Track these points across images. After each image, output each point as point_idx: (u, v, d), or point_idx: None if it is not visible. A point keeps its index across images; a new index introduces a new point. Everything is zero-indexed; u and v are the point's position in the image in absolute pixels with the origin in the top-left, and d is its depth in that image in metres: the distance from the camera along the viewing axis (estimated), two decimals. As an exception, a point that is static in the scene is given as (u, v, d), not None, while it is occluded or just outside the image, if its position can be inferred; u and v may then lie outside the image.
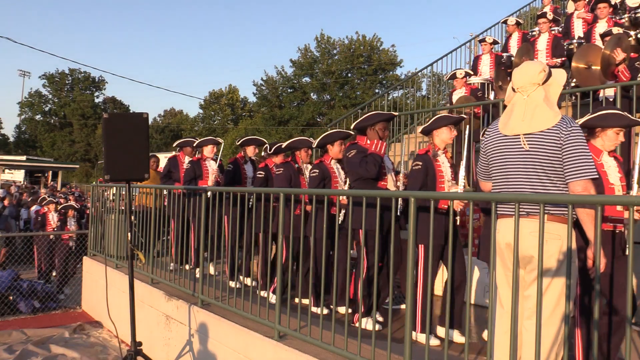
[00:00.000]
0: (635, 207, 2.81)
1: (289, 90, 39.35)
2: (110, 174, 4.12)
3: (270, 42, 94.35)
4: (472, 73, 8.25)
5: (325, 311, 4.08)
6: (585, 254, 2.86)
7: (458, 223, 3.92)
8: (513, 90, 2.79)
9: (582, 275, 3.06)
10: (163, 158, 10.64)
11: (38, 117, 52.00)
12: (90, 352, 5.62)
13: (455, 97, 7.85)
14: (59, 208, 10.01)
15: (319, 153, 5.23)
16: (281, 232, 3.95)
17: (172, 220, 6.34)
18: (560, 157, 2.56)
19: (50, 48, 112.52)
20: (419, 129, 8.93)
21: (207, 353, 4.44)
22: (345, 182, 4.70)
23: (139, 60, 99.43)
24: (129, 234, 4.29)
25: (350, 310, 4.16)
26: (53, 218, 9.83)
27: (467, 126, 4.62)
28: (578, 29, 7.93)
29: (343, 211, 4.37)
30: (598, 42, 6.68)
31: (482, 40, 8.46)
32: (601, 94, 5.66)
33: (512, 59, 7.93)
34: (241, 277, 5.11)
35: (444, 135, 4.04)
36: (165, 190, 6.35)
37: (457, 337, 3.85)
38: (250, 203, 5.26)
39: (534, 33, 8.35)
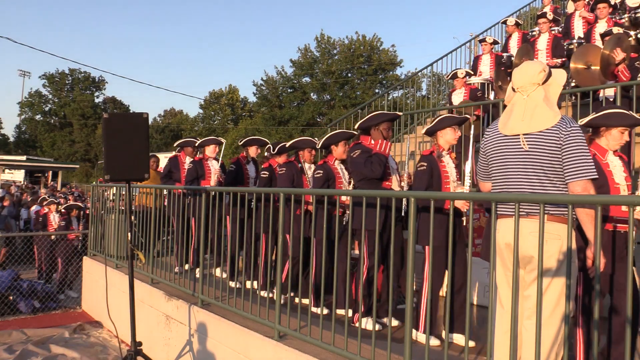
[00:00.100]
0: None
1: (289, 90, 39.34)
2: (110, 174, 4.12)
3: (270, 42, 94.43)
4: (472, 73, 8.25)
5: (325, 311, 4.08)
6: (586, 254, 2.85)
7: (464, 223, 3.90)
8: (513, 90, 2.79)
9: (584, 276, 3.06)
10: (163, 158, 10.63)
11: (38, 117, 52.02)
12: (90, 352, 5.62)
13: (454, 97, 7.85)
14: (60, 208, 9.99)
15: (322, 153, 5.22)
16: (281, 232, 3.95)
17: (172, 220, 6.33)
18: (560, 157, 2.56)
19: (50, 48, 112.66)
20: (419, 129, 8.95)
21: (207, 353, 4.44)
22: (349, 183, 4.70)
23: (139, 60, 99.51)
24: (129, 234, 4.29)
25: (350, 311, 4.15)
26: (54, 219, 9.81)
27: (472, 126, 4.61)
28: (578, 29, 7.93)
29: (348, 212, 4.35)
30: (598, 42, 6.68)
31: (482, 41, 8.46)
32: (601, 94, 5.66)
33: (512, 59, 7.93)
34: (243, 279, 5.12)
35: (448, 136, 4.02)
36: (165, 190, 6.35)
37: (460, 339, 3.83)
38: (252, 203, 5.24)
39: (534, 33, 8.35)
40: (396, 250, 4.13)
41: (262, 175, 5.63)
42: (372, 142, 4.24)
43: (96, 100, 52.23)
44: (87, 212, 9.36)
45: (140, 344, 4.27)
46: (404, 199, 4.02)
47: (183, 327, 4.86)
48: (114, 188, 7.46)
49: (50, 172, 31.05)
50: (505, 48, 8.71)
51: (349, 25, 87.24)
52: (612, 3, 7.32)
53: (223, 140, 6.64)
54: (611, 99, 5.51)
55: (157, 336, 5.31)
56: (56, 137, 49.92)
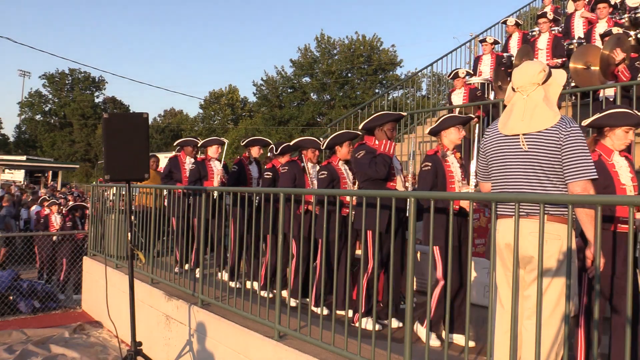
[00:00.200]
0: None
1: (289, 90, 39.35)
2: (110, 174, 4.12)
3: (270, 42, 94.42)
4: (472, 73, 8.25)
5: (326, 311, 4.08)
6: (586, 255, 2.85)
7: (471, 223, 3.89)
8: (513, 90, 2.79)
9: (588, 277, 3.04)
10: (163, 158, 10.63)
11: (38, 117, 52.03)
12: (90, 352, 5.62)
13: (454, 97, 7.86)
14: (62, 209, 9.97)
15: (326, 154, 5.21)
16: (281, 231, 3.95)
17: (172, 220, 6.33)
18: (560, 157, 2.56)
19: (50, 48, 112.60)
20: (419, 129, 8.95)
21: (207, 353, 4.44)
22: (354, 183, 4.69)
23: (139, 60, 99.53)
24: (129, 234, 4.30)
25: (350, 311, 4.15)
26: (56, 220, 9.79)
27: (477, 125, 4.60)
28: (578, 29, 7.93)
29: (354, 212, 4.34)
30: (598, 42, 6.67)
31: (483, 41, 8.46)
32: (601, 94, 5.66)
33: (512, 59, 7.94)
34: (247, 281, 5.12)
35: (452, 136, 4.00)
36: (165, 190, 6.34)
37: (460, 339, 3.83)
38: (255, 204, 5.23)
39: (534, 33, 8.35)
40: (397, 251, 4.12)
41: (265, 176, 5.62)
42: (377, 142, 4.23)
43: (96, 100, 52.27)
44: (87, 212, 9.34)
45: (140, 344, 4.27)
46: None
47: (183, 327, 4.86)
48: (114, 188, 7.46)
49: (50, 172, 31.05)
50: (506, 48, 8.71)
51: (349, 25, 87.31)
52: (612, 3, 7.32)
53: (225, 140, 6.63)
54: (611, 99, 5.51)
55: (157, 336, 5.31)
56: (56, 137, 49.93)
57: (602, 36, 6.36)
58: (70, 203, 12.23)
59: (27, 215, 13.44)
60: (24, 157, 33.04)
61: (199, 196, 5.46)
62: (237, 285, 4.79)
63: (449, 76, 8.44)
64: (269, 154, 6.49)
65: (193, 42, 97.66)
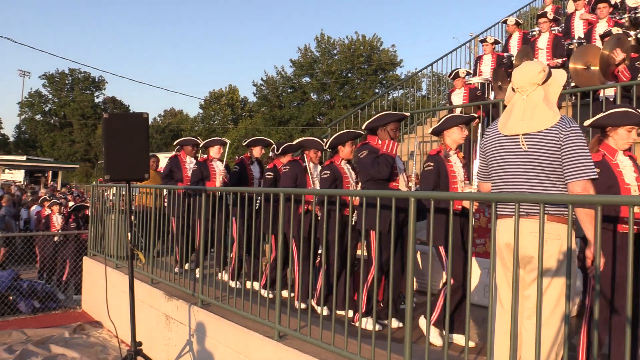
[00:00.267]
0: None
1: (289, 90, 39.35)
2: (110, 174, 4.12)
3: (270, 42, 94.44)
4: (472, 73, 8.25)
5: (326, 311, 4.08)
6: (586, 255, 2.84)
7: (473, 223, 3.89)
8: (513, 90, 2.79)
9: (604, 279, 3.02)
10: (163, 158, 10.63)
11: (38, 117, 52.03)
12: (90, 352, 5.62)
13: (454, 97, 7.85)
14: (63, 210, 9.96)
15: (328, 153, 5.20)
16: (281, 231, 3.95)
17: (172, 221, 6.32)
18: (560, 157, 2.56)
19: (50, 48, 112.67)
20: (419, 129, 8.95)
21: (207, 353, 4.44)
22: (357, 183, 4.68)
23: (139, 60, 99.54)
24: (129, 234, 4.30)
25: (351, 311, 4.15)
26: (57, 220, 9.78)
27: (480, 125, 4.59)
28: (578, 29, 7.93)
29: (356, 212, 4.34)
30: (598, 42, 6.67)
31: (484, 41, 8.46)
32: (601, 94, 5.66)
33: (512, 59, 7.94)
34: (247, 281, 5.11)
35: (455, 135, 3.99)
36: (165, 190, 6.34)
37: (460, 339, 3.83)
38: (258, 204, 5.22)
39: (534, 33, 8.35)
40: (398, 251, 4.12)
41: (266, 177, 5.61)
42: (379, 142, 4.22)
43: (96, 100, 52.27)
44: (87, 212, 9.34)
45: (140, 344, 4.27)
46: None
47: (183, 327, 4.86)
48: (114, 188, 7.46)
49: (50, 172, 31.05)
50: (506, 48, 8.71)
51: (349, 25, 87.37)
52: (612, 3, 7.32)
53: (227, 140, 6.63)
54: (611, 99, 5.51)
55: (157, 336, 5.31)
56: (56, 137, 49.93)
57: (602, 36, 6.35)
58: (71, 203, 12.23)
59: (27, 215, 13.44)
60: (24, 157, 33.05)
61: (199, 196, 5.46)
62: (237, 285, 4.79)
63: (449, 76, 8.44)
64: (270, 154, 6.49)
65: (193, 42, 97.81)
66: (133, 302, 4.30)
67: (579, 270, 3.30)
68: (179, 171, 6.77)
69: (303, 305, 3.99)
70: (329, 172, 4.62)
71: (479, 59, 8.57)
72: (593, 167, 2.51)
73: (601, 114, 3.20)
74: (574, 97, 6.51)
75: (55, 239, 9.25)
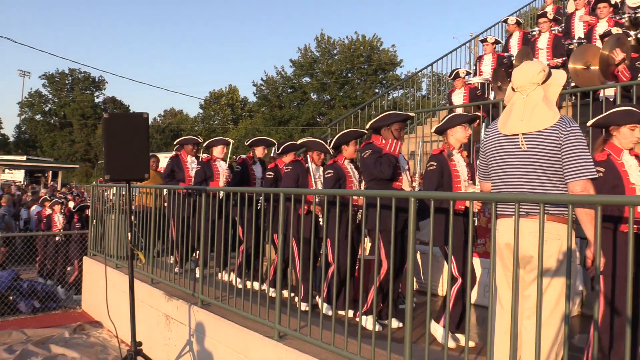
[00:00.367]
0: None
1: (289, 90, 39.36)
2: (110, 174, 4.12)
3: (270, 42, 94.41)
4: (473, 73, 8.25)
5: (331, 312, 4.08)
6: (608, 256, 2.81)
7: (475, 223, 3.88)
8: (512, 90, 2.79)
9: (607, 280, 3.02)
10: (163, 158, 10.61)
11: (38, 117, 52.01)
12: (90, 352, 5.63)
13: (454, 97, 7.86)
14: (66, 209, 9.95)
15: (331, 153, 5.20)
16: (281, 231, 3.95)
17: (172, 221, 6.31)
18: (559, 156, 2.56)
19: (50, 48, 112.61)
20: (419, 129, 8.95)
21: (207, 353, 4.44)
22: (360, 182, 4.68)
23: (139, 60, 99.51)
24: (129, 234, 4.30)
25: (351, 312, 4.15)
26: (59, 219, 9.77)
27: (483, 124, 4.59)
28: (578, 29, 7.93)
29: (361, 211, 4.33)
30: (598, 42, 6.67)
31: (484, 41, 8.46)
32: (601, 94, 5.66)
33: (512, 59, 7.93)
34: (248, 281, 5.10)
35: (458, 134, 3.98)
36: (165, 190, 6.33)
37: (459, 339, 3.83)
38: (259, 204, 5.22)
39: (534, 33, 8.35)
40: (398, 251, 4.12)
41: (267, 176, 5.61)
42: (383, 141, 4.22)
43: (96, 100, 52.24)
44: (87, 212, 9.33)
45: (140, 344, 4.27)
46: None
47: (183, 327, 4.86)
48: (114, 188, 7.46)
49: (50, 172, 31.04)
50: (506, 47, 8.70)
51: (349, 25, 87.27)
52: (612, 3, 7.32)
53: (231, 140, 6.63)
54: (611, 99, 5.51)
55: (157, 336, 5.31)
56: (56, 137, 49.91)
57: (602, 36, 6.35)
58: (71, 203, 12.22)
59: (27, 215, 13.44)
60: (24, 157, 33.04)
61: (199, 196, 5.45)
62: (239, 285, 4.79)
63: (449, 76, 8.44)
64: (272, 154, 6.49)
65: (193, 42, 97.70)
66: (133, 302, 4.30)
67: (581, 269, 3.31)
68: (181, 171, 6.75)
69: (305, 307, 3.98)
70: (332, 171, 4.61)
71: (479, 58, 8.58)
72: (593, 166, 2.51)
73: (604, 114, 3.20)
74: (574, 97, 6.51)
75: (57, 238, 9.24)
